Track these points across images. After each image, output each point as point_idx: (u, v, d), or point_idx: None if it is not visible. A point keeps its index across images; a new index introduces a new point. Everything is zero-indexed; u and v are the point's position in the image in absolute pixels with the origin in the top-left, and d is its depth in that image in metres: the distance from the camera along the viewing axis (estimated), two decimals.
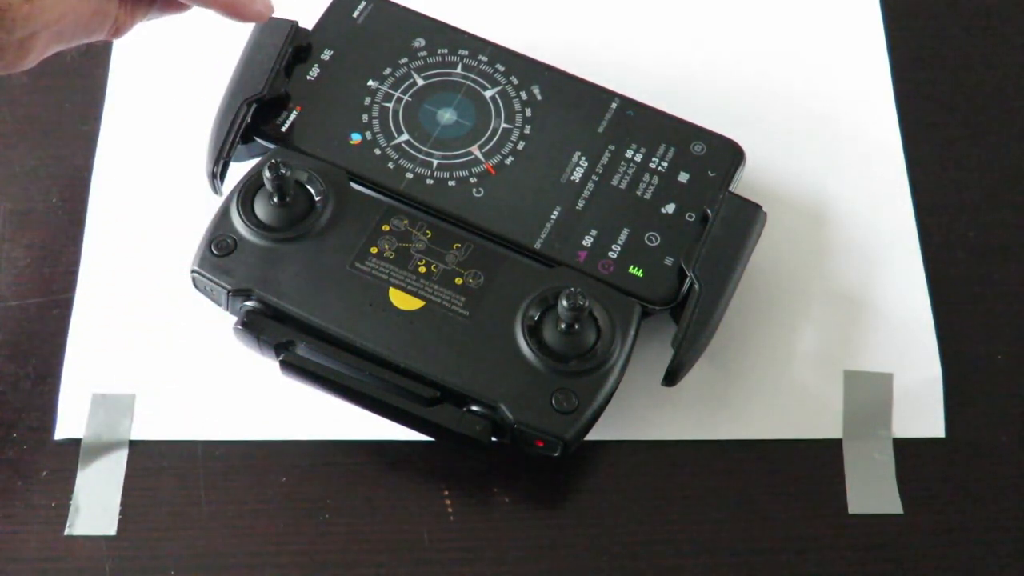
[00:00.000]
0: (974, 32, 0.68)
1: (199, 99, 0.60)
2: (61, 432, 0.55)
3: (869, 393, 0.56)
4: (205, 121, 0.57)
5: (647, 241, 0.55)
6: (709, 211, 0.56)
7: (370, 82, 0.59)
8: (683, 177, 0.57)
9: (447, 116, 0.58)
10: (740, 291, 0.55)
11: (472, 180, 0.57)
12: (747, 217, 0.56)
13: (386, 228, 0.54)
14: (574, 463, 0.54)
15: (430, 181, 0.56)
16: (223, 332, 0.54)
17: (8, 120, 0.63)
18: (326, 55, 0.60)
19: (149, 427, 0.55)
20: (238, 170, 0.56)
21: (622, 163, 0.57)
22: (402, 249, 0.54)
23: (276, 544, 0.53)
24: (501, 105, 0.59)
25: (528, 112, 0.59)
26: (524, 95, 0.59)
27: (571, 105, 0.59)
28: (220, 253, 0.53)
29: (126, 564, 0.52)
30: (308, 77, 0.59)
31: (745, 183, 0.59)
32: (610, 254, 0.55)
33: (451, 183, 0.56)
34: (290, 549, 0.53)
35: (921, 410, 0.56)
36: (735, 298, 0.55)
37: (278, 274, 0.53)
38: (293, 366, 0.52)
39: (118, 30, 0.50)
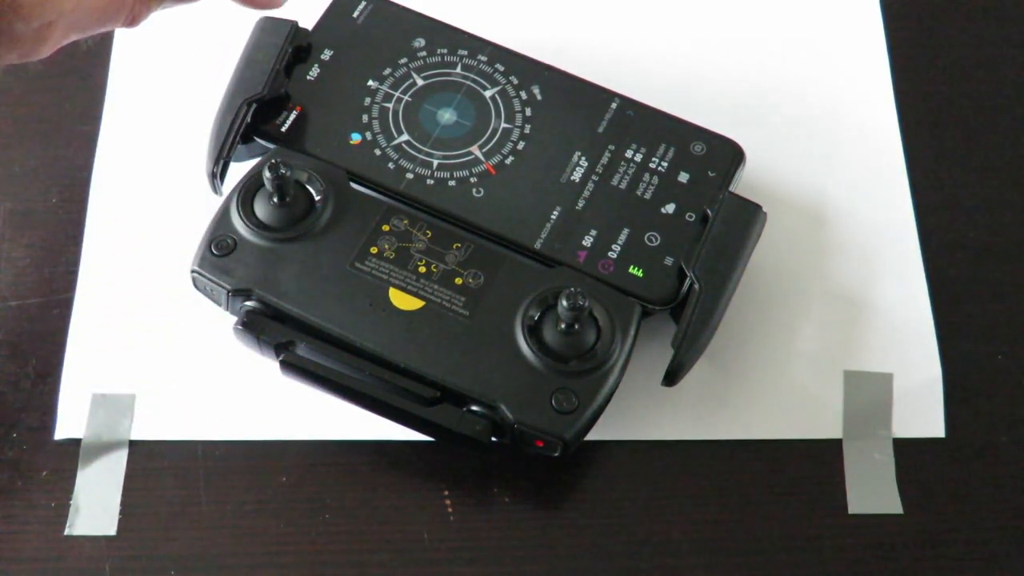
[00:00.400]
0: (974, 32, 0.68)
1: (199, 99, 0.60)
2: (61, 432, 0.55)
3: (869, 393, 0.56)
4: (205, 121, 0.57)
5: (647, 241, 0.55)
6: (709, 211, 0.56)
7: (370, 82, 0.59)
8: (683, 177, 0.57)
9: (447, 116, 0.58)
10: (740, 291, 0.55)
11: (472, 180, 0.57)
12: (747, 217, 0.56)
13: (386, 228, 0.55)
14: (574, 463, 0.54)
15: (430, 181, 0.56)
16: (223, 332, 0.54)
17: (8, 120, 0.63)
18: (326, 55, 0.60)
19: (149, 427, 0.55)
20: (238, 170, 0.56)
21: (622, 163, 0.57)
22: (402, 249, 0.54)
23: (276, 544, 0.53)
24: (501, 105, 0.59)
25: (528, 112, 0.59)
26: (524, 95, 0.59)
27: (571, 105, 0.59)
28: (220, 253, 0.53)
29: (126, 564, 0.52)
30: (308, 77, 0.59)
31: (745, 183, 0.59)
32: (610, 254, 0.55)
33: (451, 183, 0.56)
34: (290, 549, 0.53)
35: (921, 410, 0.56)
36: (735, 298, 0.55)
37: (278, 274, 0.53)
38: (293, 366, 0.52)
39: (134, 19, 0.50)
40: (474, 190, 0.56)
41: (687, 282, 0.54)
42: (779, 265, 0.59)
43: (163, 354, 0.57)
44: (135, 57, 0.65)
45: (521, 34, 0.62)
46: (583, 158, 0.57)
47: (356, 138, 0.57)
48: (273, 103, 0.58)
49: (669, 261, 0.55)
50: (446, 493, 0.54)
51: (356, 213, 0.55)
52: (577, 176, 0.57)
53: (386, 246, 0.54)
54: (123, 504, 0.53)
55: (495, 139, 0.58)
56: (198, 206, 0.57)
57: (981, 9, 0.68)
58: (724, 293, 0.54)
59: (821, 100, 0.65)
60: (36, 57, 0.48)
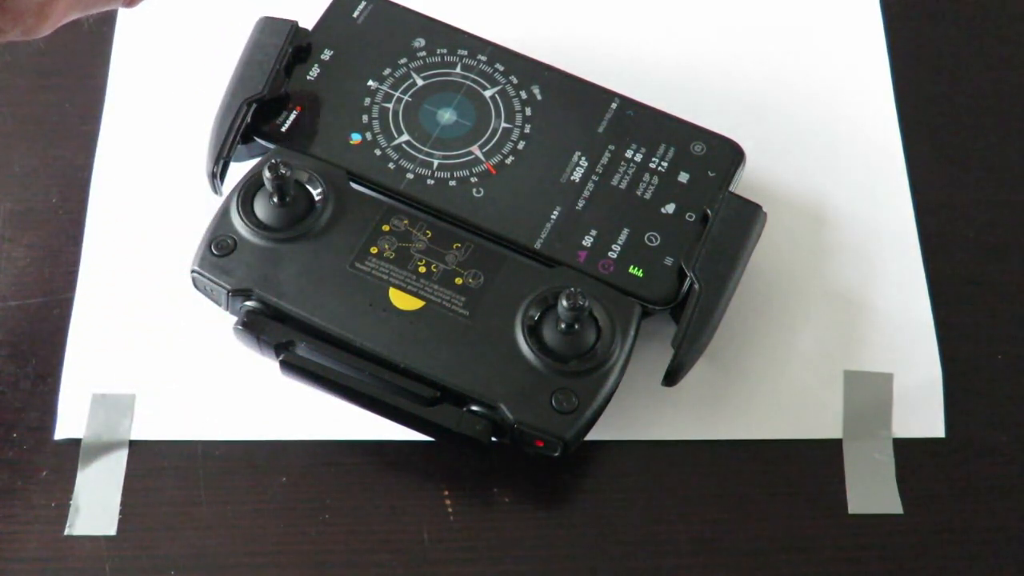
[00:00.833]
0: (974, 32, 0.68)
1: (199, 99, 0.60)
2: (61, 432, 0.55)
3: (869, 393, 0.56)
4: (205, 121, 0.57)
5: (647, 241, 0.55)
6: (709, 211, 0.56)
7: (370, 82, 0.59)
8: (683, 177, 0.57)
9: (447, 116, 0.58)
10: (740, 291, 0.55)
11: (473, 180, 0.57)
12: (747, 217, 0.56)
13: (386, 228, 0.55)
14: (574, 463, 0.54)
15: (431, 181, 0.56)
16: (223, 332, 0.54)
17: (8, 120, 0.63)
18: (326, 55, 0.60)
19: (149, 427, 0.55)
20: (238, 170, 0.56)
21: (622, 163, 0.57)
22: (402, 249, 0.54)
23: (276, 544, 0.53)
24: (501, 105, 0.59)
25: (528, 112, 0.59)
26: (524, 95, 0.59)
27: (571, 105, 0.59)
28: (220, 253, 0.53)
29: (126, 564, 0.52)
30: (308, 77, 0.59)
31: (745, 183, 0.59)
32: (610, 254, 0.55)
33: (452, 183, 0.56)
34: (290, 549, 0.53)
35: (921, 410, 0.56)
36: (735, 298, 0.55)
37: (278, 274, 0.53)
38: (293, 366, 0.52)
39: None
40: (474, 190, 0.56)
41: (687, 282, 0.54)
42: (779, 265, 0.59)
43: (163, 354, 0.57)
44: (135, 57, 0.65)
45: (521, 34, 0.62)
46: (583, 158, 0.57)
47: (356, 138, 0.57)
48: (273, 103, 0.58)
49: (669, 261, 0.55)
50: (446, 493, 0.54)
51: (356, 213, 0.55)
52: (577, 176, 0.57)
53: (386, 246, 0.54)
54: (123, 504, 0.53)
55: (495, 139, 0.58)
56: (198, 206, 0.57)
57: (981, 9, 0.68)
58: (724, 293, 0.54)
59: (821, 100, 0.65)
60: (37, 35, 0.48)
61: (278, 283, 0.53)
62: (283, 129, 0.57)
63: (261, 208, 0.54)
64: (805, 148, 0.63)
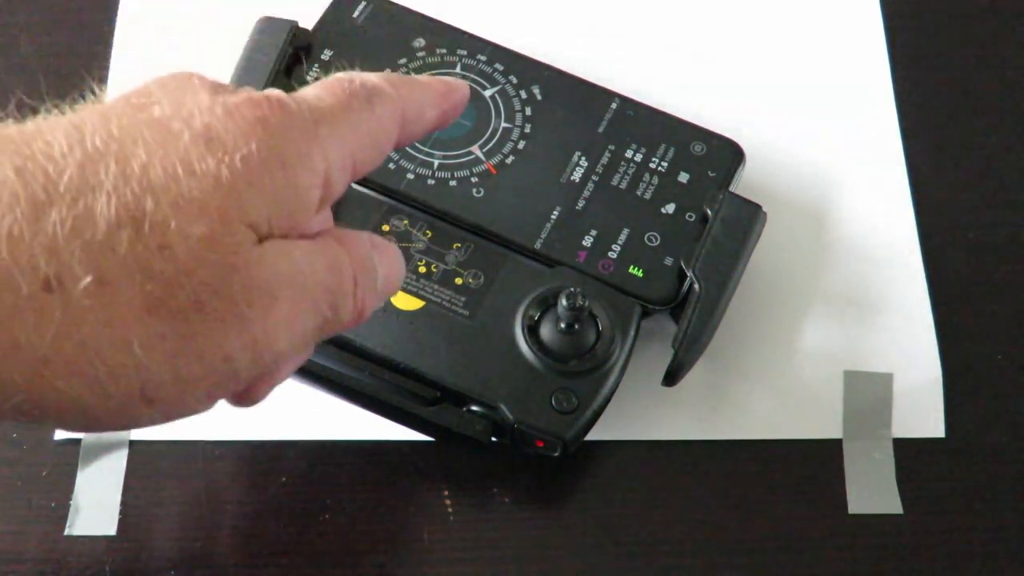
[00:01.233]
0: (974, 32, 0.68)
1: None
2: (61, 432, 0.55)
3: (869, 393, 0.56)
4: None
5: (647, 241, 0.55)
6: (709, 211, 0.56)
7: None
8: (683, 177, 0.57)
9: None
10: (740, 291, 0.55)
11: (473, 180, 0.57)
12: (747, 217, 0.56)
13: (386, 228, 0.55)
14: (574, 463, 0.54)
15: (431, 181, 0.56)
16: None
17: (8, 120, 0.63)
18: (326, 55, 0.60)
19: (149, 427, 0.55)
20: None
21: (622, 163, 0.57)
22: (402, 249, 0.54)
23: (276, 544, 0.53)
24: (501, 105, 0.59)
25: (528, 111, 0.59)
26: (524, 94, 0.59)
27: (571, 105, 0.59)
28: None
29: (126, 564, 0.52)
30: (308, 77, 0.59)
31: (745, 183, 0.59)
32: (610, 254, 0.55)
33: (452, 183, 0.56)
34: (290, 549, 0.53)
35: (921, 410, 0.56)
36: (735, 298, 0.55)
37: None
38: None
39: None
40: (474, 190, 0.56)
41: (687, 282, 0.54)
42: (779, 265, 0.59)
43: None
44: (135, 57, 0.65)
45: (521, 34, 0.62)
46: (583, 158, 0.57)
47: None
48: None
49: (669, 261, 0.55)
50: (446, 493, 0.54)
51: (356, 213, 0.55)
52: (577, 176, 0.57)
53: None
54: (123, 504, 0.53)
55: (495, 139, 0.58)
56: None
57: (981, 9, 0.68)
58: (724, 293, 0.54)
59: (821, 100, 0.65)
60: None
61: None
62: None
63: None
64: (805, 148, 0.63)
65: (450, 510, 0.54)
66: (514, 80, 0.60)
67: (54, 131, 0.35)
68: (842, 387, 0.56)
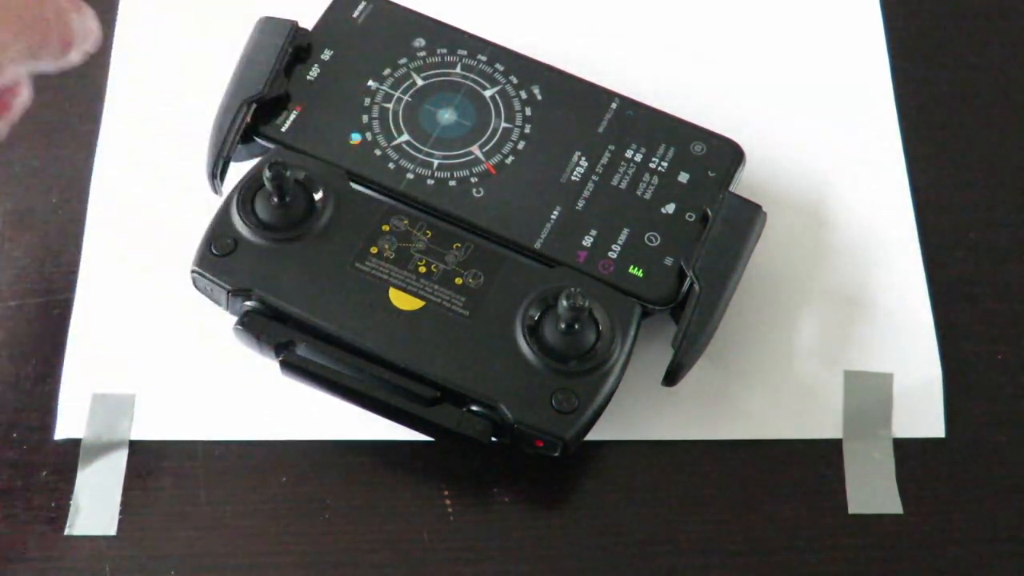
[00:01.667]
0: (974, 32, 0.68)
1: (199, 99, 0.60)
2: (61, 432, 0.55)
3: (869, 393, 0.56)
4: (205, 121, 0.57)
5: (647, 241, 0.55)
6: (709, 211, 0.56)
7: (370, 82, 0.59)
8: (683, 177, 0.57)
9: (447, 116, 0.58)
10: (740, 291, 0.55)
11: (473, 180, 0.57)
12: (747, 217, 0.56)
13: (386, 228, 0.55)
14: (574, 463, 0.55)
15: (431, 181, 0.56)
16: (223, 332, 0.54)
17: None
18: (326, 55, 0.60)
19: (149, 427, 0.55)
20: (238, 170, 0.56)
21: (622, 163, 0.57)
22: (402, 249, 0.54)
23: (276, 544, 0.53)
24: (501, 105, 0.59)
25: (528, 112, 0.59)
26: (524, 95, 0.59)
27: (571, 105, 0.59)
28: (220, 253, 0.53)
29: (126, 564, 0.52)
30: (308, 77, 0.59)
31: (745, 183, 0.59)
32: (610, 254, 0.55)
33: (452, 183, 0.56)
34: (290, 549, 0.53)
35: (921, 410, 0.56)
36: (735, 298, 0.55)
37: (278, 274, 0.53)
38: (293, 366, 0.52)
39: None
40: (474, 190, 0.56)
41: (687, 282, 0.54)
42: (779, 265, 0.59)
43: (163, 354, 0.57)
44: (135, 57, 0.65)
45: (521, 34, 0.62)
46: (583, 158, 0.57)
47: (356, 138, 0.57)
48: (273, 103, 0.58)
49: (669, 261, 0.55)
50: (446, 493, 0.54)
51: (356, 213, 0.55)
52: (577, 176, 0.57)
53: (386, 246, 0.54)
54: (123, 504, 0.53)
55: (495, 139, 0.58)
56: (198, 206, 0.57)
57: (981, 9, 0.68)
58: (724, 293, 0.54)
59: (821, 100, 0.65)
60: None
61: (278, 283, 0.53)
62: (283, 129, 0.57)
63: (261, 208, 0.54)
64: (805, 148, 0.63)
65: (450, 510, 0.54)
66: (514, 80, 0.60)
67: None
68: (842, 387, 0.56)
